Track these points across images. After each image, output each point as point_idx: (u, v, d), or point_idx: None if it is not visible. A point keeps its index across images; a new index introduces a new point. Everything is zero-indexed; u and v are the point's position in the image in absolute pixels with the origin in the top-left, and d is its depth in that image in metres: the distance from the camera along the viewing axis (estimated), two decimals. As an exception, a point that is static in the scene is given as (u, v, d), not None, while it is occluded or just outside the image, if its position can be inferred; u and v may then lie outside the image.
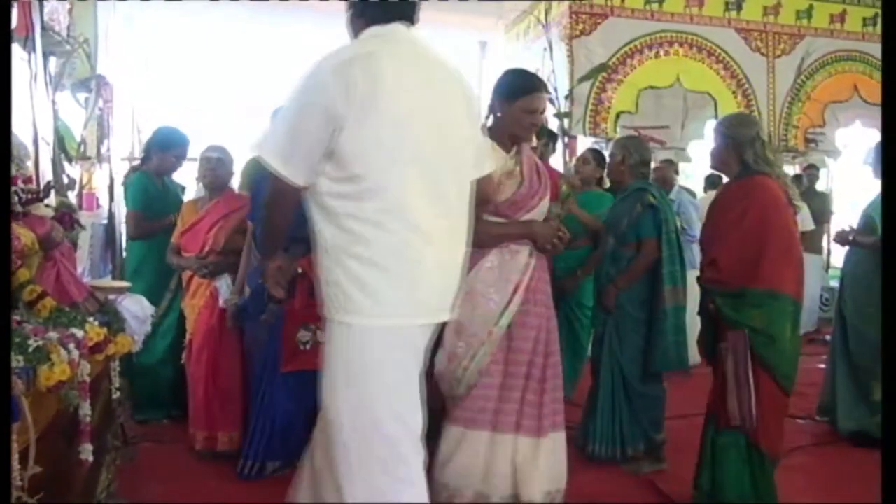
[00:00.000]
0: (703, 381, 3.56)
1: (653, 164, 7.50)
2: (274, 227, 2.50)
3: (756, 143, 3.34)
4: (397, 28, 2.38)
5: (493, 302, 3.04)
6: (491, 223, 3.04)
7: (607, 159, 4.63)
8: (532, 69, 8.39)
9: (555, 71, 8.10)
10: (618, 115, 8.17)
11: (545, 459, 3.05)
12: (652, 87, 8.24)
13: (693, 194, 7.55)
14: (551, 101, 8.25)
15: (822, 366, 5.18)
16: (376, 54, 2.26)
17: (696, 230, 6.45)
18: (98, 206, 6.16)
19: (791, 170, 8.79)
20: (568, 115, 8.03)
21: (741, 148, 3.34)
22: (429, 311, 2.38)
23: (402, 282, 2.27)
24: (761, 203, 3.27)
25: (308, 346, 3.65)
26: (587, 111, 8.06)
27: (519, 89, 3.12)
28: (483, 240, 2.92)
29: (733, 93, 8.54)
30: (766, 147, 3.38)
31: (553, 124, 8.43)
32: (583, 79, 7.90)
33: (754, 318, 3.26)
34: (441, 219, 2.33)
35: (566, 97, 8.05)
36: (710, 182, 8.09)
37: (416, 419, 2.35)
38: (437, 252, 2.32)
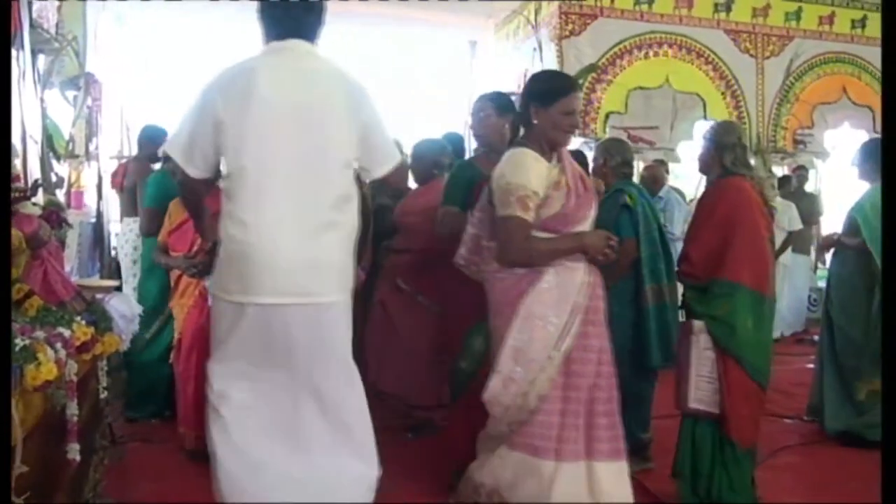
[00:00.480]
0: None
1: (643, 164, 7.61)
2: (192, 214, 2.94)
3: (737, 147, 3.54)
4: (288, 44, 2.66)
5: (551, 325, 2.86)
6: (540, 239, 2.91)
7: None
8: (521, 69, 8.49)
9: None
10: (607, 116, 8.19)
11: (612, 486, 2.88)
12: (641, 88, 8.26)
13: (682, 195, 7.57)
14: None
15: (811, 366, 5.20)
16: (256, 68, 2.62)
17: (677, 229, 6.48)
18: (86, 204, 6.14)
19: (780, 171, 8.83)
20: (558, 115, 8.04)
21: (722, 152, 3.52)
22: (272, 293, 2.55)
23: (236, 266, 2.59)
24: (732, 201, 3.45)
25: None
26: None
27: (556, 91, 3.02)
28: (534, 258, 2.90)
29: (722, 94, 8.58)
30: (745, 151, 3.60)
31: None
32: (572, 79, 7.92)
33: (716, 308, 3.38)
34: (305, 212, 2.58)
35: (556, 97, 8.05)
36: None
37: (238, 386, 2.63)
38: (287, 240, 2.56)
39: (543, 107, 2.98)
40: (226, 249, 2.62)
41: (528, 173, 2.91)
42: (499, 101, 3.75)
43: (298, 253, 2.57)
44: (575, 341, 2.88)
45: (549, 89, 3.04)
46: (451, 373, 3.61)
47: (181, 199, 2.94)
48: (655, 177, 6.72)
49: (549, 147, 3.02)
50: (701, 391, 3.39)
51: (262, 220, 2.56)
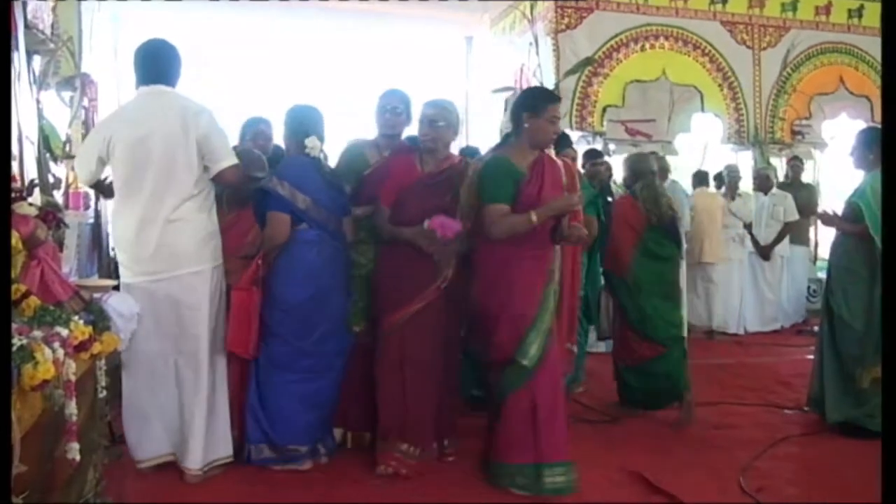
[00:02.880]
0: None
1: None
2: None
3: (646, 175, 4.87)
4: (150, 88, 3.61)
5: None
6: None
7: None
8: (517, 64, 8.48)
9: (541, 65, 8.12)
10: (604, 109, 8.18)
11: None
12: (638, 81, 8.25)
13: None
14: (537, 96, 8.27)
15: (811, 357, 5.20)
16: (125, 107, 3.80)
17: (685, 222, 6.49)
18: (85, 205, 6.12)
19: (778, 162, 8.82)
20: (554, 109, 8.03)
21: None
22: (144, 273, 3.54)
23: (125, 252, 3.62)
24: (616, 213, 4.99)
25: None
26: (573, 105, 8.07)
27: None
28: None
29: (719, 86, 8.58)
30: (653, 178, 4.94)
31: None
32: (569, 73, 7.92)
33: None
34: (145, 208, 3.50)
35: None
36: (699, 179, 8.09)
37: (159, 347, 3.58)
38: (138, 232, 3.51)
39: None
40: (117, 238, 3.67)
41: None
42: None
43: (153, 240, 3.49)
44: None
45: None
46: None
47: None
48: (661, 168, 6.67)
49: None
50: None
51: (128, 221, 3.55)
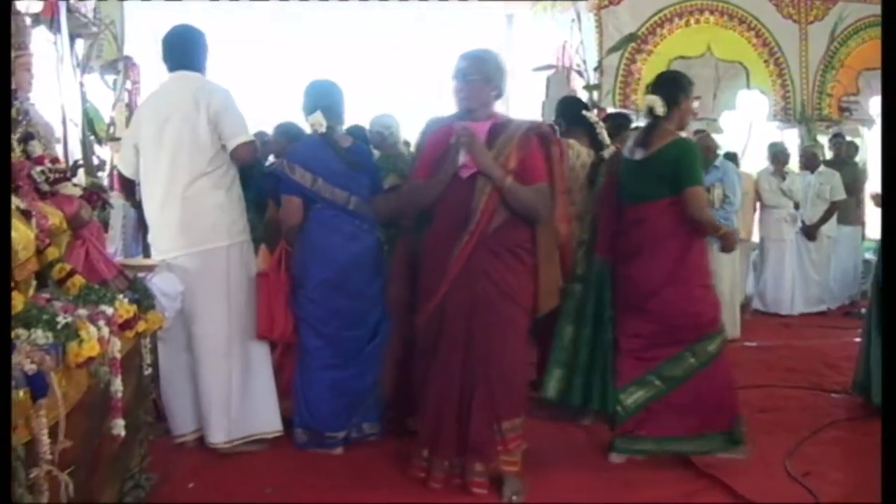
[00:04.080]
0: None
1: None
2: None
3: None
4: (174, 75, 3.71)
5: None
6: None
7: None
8: (559, 41, 8.39)
9: (583, 42, 8.03)
10: (648, 87, 8.05)
11: None
12: (682, 57, 8.10)
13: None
14: (580, 73, 8.19)
15: (858, 340, 5.09)
16: (152, 95, 3.91)
17: (737, 200, 6.39)
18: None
19: (825, 140, 8.62)
20: (597, 87, 7.96)
21: None
22: (165, 251, 3.63)
23: (151, 232, 3.75)
24: None
25: None
26: (617, 82, 7.97)
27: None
28: None
29: (765, 61, 8.39)
30: None
31: (583, 97, 8.37)
32: (612, 50, 7.82)
33: None
34: (165, 186, 3.60)
35: (595, 69, 7.98)
36: (729, 159, 7.80)
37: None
38: (161, 211, 3.63)
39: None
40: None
41: None
42: None
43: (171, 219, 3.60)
44: None
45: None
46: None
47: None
48: (708, 146, 6.54)
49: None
50: None
51: (151, 201, 3.67)
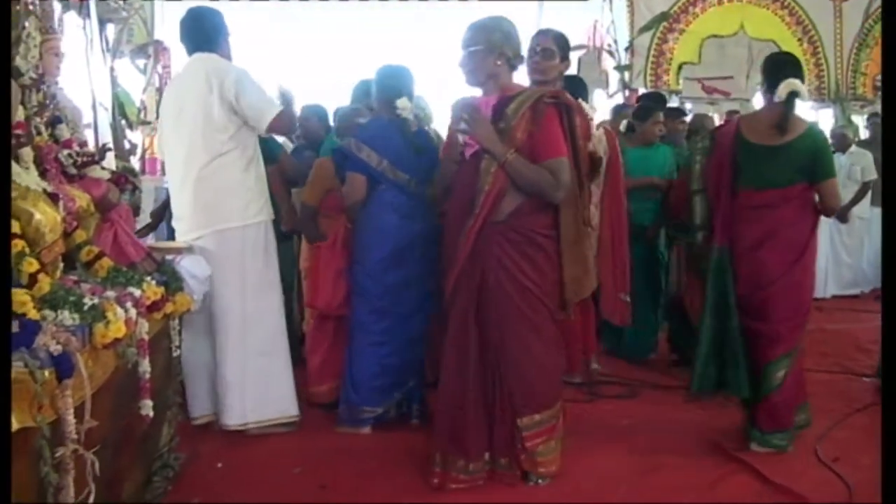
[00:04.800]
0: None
1: (717, 117, 7.42)
2: None
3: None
4: (192, 57, 3.71)
5: None
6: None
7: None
8: (590, 21, 8.30)
9: (614, 22, 7.96)
10: (680, 67, 7.99)
11: None
12: (715, 36, 8.00)
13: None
14: (611, 53, 8.12)
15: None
16: (174, 78, 4.06)
17: None
18: (162, 170, 6.27)
19: (859, 119, 8.46)
20: (629, 67, 7.90)
21: None
22: (183, 232, 3.67)
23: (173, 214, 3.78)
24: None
25: None
26: (648, 63, 7.88)
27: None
28: None
29: (799, 40, 8.23)
30: None
31: (614, 77, 8.30)
32: (643, 29, 7.74)
33: None
34: (183, 168, 3.63)
35: (627, 49, 7.90)
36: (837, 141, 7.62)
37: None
38: (179, 193, 3.68)
39: None
40: None
41: None
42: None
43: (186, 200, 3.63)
44: None
45: None
46: None
47: None
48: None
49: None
50: None
51: (171, 184, 3.77)
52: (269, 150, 4.72)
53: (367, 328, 3.84)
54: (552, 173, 3.02)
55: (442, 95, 3.95)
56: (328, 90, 4.53)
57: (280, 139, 4.90)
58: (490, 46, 3.08)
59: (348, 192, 3.82)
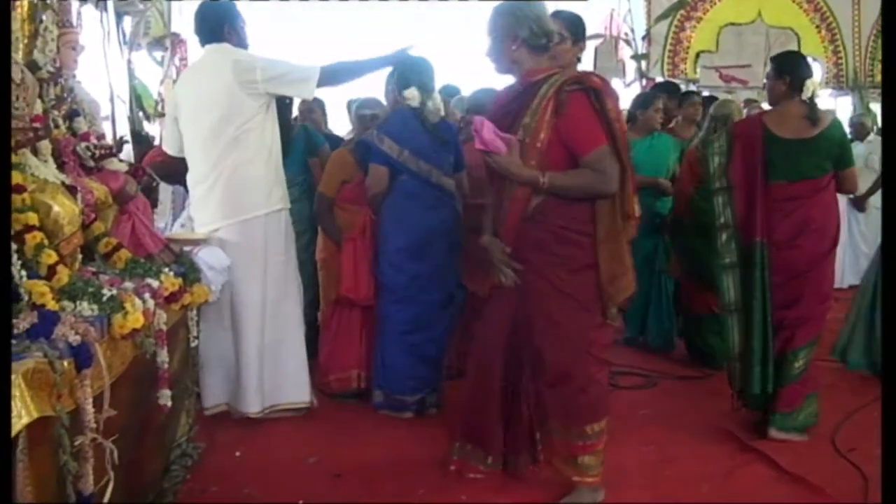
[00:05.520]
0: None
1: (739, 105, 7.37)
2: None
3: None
4: (207, 48, 3.71)
5: None
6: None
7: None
8: (607, 10, 8.26)
9: (631, 10, 7.91)
10: (697, 55, 7.93)
11: None
12: (732, 24, 7.94)
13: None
14: (628, 42, 8.07)
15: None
16: (188, 69, 4.16)
17: None
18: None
19: (877, 107, 8.37)
20: (645, 56, 7.86)
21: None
22: (200, 225, 3.68)
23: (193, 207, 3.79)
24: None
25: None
26: (665, 51, 7.83)
27: None
28: None
29: (817, 27, 8.15)
30: None
31: (631, 67, 8.25)
32: (660, 17, 7.69)
33: None
34: (203, 159, 3.64)
35: (643, 38, 7.86)
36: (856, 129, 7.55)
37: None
38: (200, 185, 3.67)
39: None
40: None
41: None
42: None
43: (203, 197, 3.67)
44: None
45: None
46: None
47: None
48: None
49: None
50: None
51: (190, 176, 3.72)
52: (312, 143, 4.80)
53: (392, 318, 3.89)
54: (594, 168, 2.75)
55: (442, 95, 3.96)
56: (328, 90, 4.50)
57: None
58: (504, 32, 2.84)
59: (371, 184, 3.86)
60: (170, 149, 3.83)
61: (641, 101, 5.26)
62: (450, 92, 5.08)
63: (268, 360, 3.73)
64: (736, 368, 3.73)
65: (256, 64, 3.56)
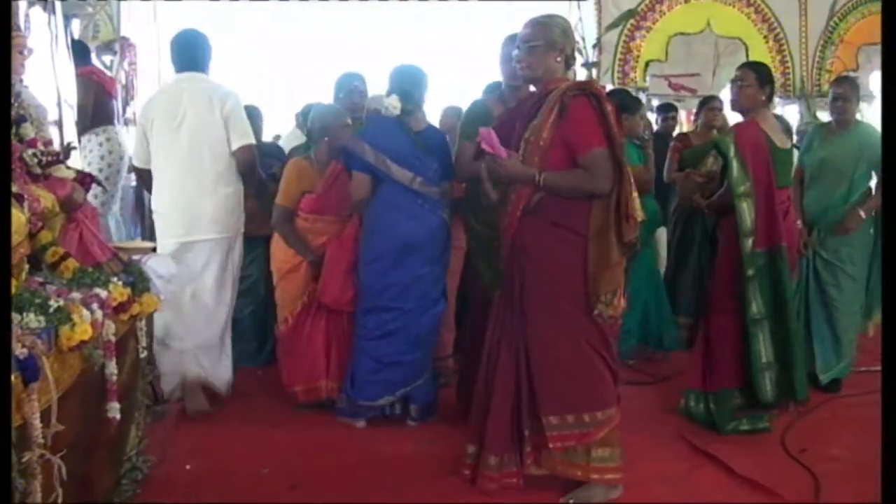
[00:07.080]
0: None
1: (685, 114, 7.48)
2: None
3: None
4: (182, 75, 4.03)
5: None
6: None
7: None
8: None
9: (582, 19, 7.96)
10: (647, 64, 7.99)
11: None
12: (682, 34, 8.01)
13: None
14: (579, 50, 8.13)
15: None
16: (161, 91, 4.39)
17: None
18: (127, 169, 6.19)
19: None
20: (596, 64, 7.91)
21: None
22: (172, 236, 3.97)
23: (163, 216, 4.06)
24: None
25: None
26: (615, 60, 7.90)
27: None
28: None
29: (765, 37, 8.29)
30: None
31: (582, 75, 8.32)
32: (610, 27, 7.76)
33: None
34: (181, 176, 3.92)
35: (594, 46, 7.92)
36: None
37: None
38: (178, 198, 3.94)
39: None
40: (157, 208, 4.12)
41: None
42: None
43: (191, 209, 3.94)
44: None
45: None
46: None
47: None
48: (722, 125, 6.35)
49: None
50: None
51: (164, 192, 4.00)
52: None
53: (363, 324, 3.90)
54: (587, 169, 2.94)
55: (442, 95, 3.98)
56: (328, 90, 4.50)
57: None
58: (550, 43, 3.05)
59: (353, 190, 3.87)
60: (140, 163, 4.12)
61: (629, 106, 5.30)
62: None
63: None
64: (765, 378, 3.73)
65: (231, 100, 4.00)
